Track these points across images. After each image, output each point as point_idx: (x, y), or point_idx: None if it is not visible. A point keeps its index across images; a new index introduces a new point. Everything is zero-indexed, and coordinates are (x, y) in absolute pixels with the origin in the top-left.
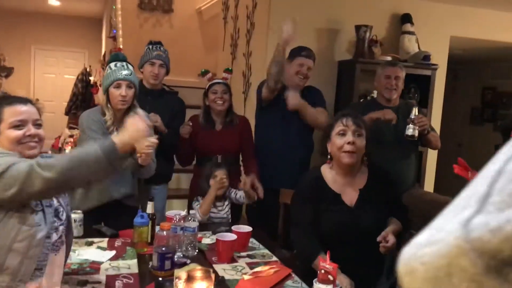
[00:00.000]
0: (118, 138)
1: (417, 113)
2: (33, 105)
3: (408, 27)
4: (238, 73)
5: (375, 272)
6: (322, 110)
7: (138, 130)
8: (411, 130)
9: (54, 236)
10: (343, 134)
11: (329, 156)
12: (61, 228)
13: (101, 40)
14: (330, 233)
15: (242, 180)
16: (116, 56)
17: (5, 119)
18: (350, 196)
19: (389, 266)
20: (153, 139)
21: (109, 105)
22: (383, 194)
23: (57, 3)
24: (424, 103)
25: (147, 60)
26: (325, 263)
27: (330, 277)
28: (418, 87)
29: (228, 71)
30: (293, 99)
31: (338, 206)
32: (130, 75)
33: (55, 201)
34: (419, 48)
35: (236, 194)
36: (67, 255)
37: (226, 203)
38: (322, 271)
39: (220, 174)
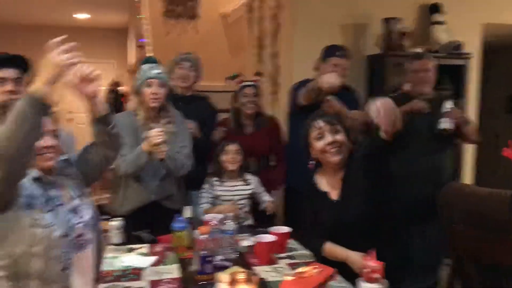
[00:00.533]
0: (32, 86)
1: (449, 106)
2: (50, 116)
3: (437, 17)
4: (266, 75)
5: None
6: None
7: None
8: (443, 124)
9: (72, 234)
10: (321, 137)
11: (310, 162)
12: (80, 225)
13: (128, 49)
14: (325, 232)
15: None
16: (148, 59)
17: None
18: (336, 191)
19: (422, 267)
20: (157, 128)
21: (141, 105)
22: (362, 174)
23: (83, 16)
24: (459, 94)
25: (176, 63)
26: (370, 262)
27: (376, 276)
28: (452, 78)
29: (259, 74)
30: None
31: (326, 203)
32: (161, 73)
33: (77, 200)
34: (450, 37)
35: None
36: (99, 256)
37: (240, 183)
38: (368, 270)
39: (232, 149)
